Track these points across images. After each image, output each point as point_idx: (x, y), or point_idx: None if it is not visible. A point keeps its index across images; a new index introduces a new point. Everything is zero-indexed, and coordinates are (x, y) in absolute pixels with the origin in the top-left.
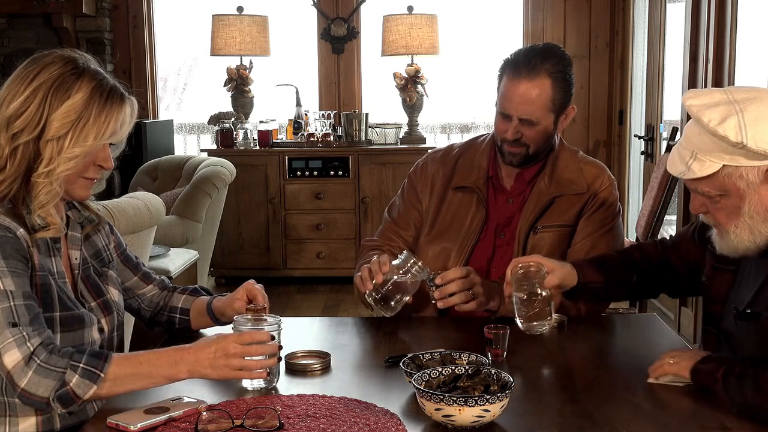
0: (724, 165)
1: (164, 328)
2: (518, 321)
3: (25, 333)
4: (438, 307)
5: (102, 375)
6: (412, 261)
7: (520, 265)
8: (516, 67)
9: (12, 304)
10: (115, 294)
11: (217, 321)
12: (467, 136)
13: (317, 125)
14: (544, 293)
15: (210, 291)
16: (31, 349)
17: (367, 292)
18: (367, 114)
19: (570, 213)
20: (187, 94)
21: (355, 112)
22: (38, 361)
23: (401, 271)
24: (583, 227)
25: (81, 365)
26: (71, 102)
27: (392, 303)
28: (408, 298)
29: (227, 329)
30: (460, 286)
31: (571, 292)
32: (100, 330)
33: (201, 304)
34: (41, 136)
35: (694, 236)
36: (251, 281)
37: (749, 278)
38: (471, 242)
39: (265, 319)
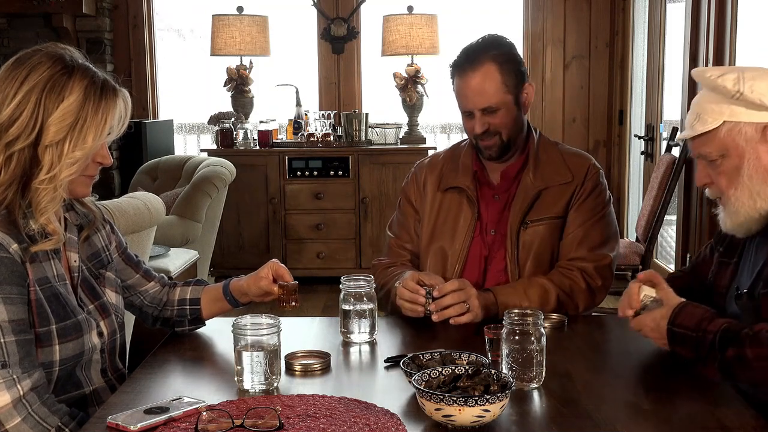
0: (724, 121)
1: (171, 323)
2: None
3: (15, 375)
4: (433, 320)
5: None
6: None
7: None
8: (460, 65)
9: (2, 341)
10: (112, 296)
11: (236, 303)
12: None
13: (317, 125)
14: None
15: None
16: (21, 392)
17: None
18: (367, 114)
19: (559, 204)
20: (187, 94)
21: (355, 112)
22: (29, 410)
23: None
24: (574, 217)
25: (67, 430)
26: (66, 104)
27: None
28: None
29: (226, 325)
30: (455, 299)
31: None
32: (99, 334)
33: (214, 290)
34: (38, 142)
35: (709, 252)
36: (275, 260)
37: (749, 263)
38: (467, 241)
39: (263, 322)
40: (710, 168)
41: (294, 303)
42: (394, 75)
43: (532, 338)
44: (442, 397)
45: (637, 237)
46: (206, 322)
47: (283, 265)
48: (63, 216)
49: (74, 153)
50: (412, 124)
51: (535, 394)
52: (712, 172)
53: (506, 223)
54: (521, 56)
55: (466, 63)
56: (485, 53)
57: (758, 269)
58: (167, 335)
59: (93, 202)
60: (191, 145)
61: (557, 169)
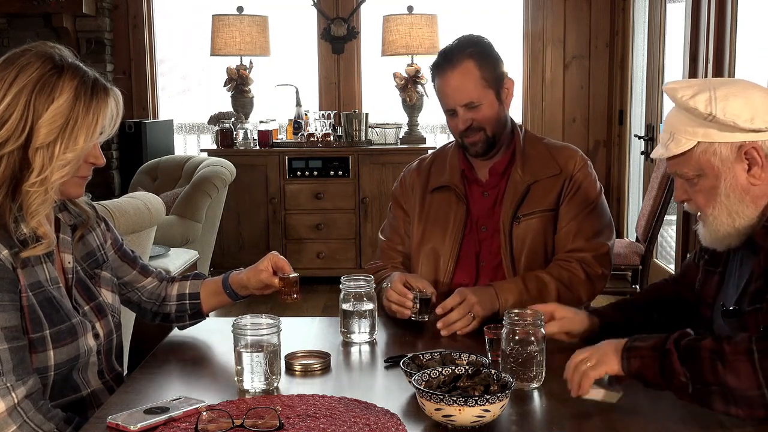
0: (698, 141)
1: (171, 319)
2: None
3: (8, 384)
4: (442, 335)
5: None
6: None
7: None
8: (439, 65)
9: None
10: (108, 296)
11: (236, 296)
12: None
13: (317, 125)
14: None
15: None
16: (16, 399)
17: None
18: (367, 114)
19: (550, 197)
20: (187, 94)
21: (355, 112)
22: (24, 417)
23: (349, 304)
24: (566, 211)
25: None
26: (56, 105)
27: (364, 328)
28: (373, 310)
29: (226, 325)
30: (461, 313)
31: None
32: (95, 336)
33: (213, 284)
34: (28, 144)
35: (695, 259)
36: (274, 252)
37: (735, 277)
38: (458, 239)
39: (263, 322)
40: (687, 185)
41: (295, 295)
42: (394, 75)
43: (532, 338)
44: (442, 397)
45: (637, 237)
46: (207, 316)
47: (282, 257)
48: (56, 217)
49: (65, 155)
50: (412, 124)
51: (535, 394)
52: (690, 189)
53: (498, 219)
54: (499, 54)
55: (445, 62)
56: (462, 51)
57: (744, 284)
58: (167, 335)
59: (86, 202)
60: (191, 145)
61: (545, 163)
